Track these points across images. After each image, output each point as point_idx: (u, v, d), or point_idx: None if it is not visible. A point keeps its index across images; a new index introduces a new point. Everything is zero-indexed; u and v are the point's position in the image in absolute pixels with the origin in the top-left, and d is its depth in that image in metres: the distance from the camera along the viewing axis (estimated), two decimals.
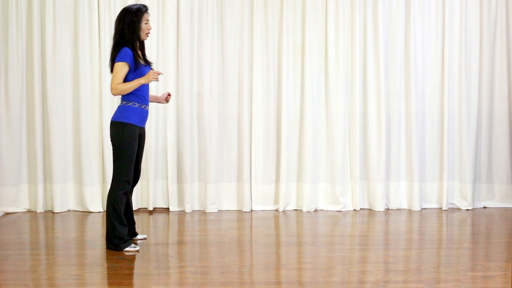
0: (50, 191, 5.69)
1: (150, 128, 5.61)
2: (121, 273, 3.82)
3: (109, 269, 3.91)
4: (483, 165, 5.94)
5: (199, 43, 5.69)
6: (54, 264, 3.99)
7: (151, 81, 4.22)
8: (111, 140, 4.27)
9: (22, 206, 5.70)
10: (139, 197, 5.73)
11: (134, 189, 5.01)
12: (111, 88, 4.16)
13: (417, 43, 5.80)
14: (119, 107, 4.26)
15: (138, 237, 4.63)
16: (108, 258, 4.14)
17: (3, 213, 5.57)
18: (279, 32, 5.76)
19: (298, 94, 5.79)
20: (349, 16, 5.76)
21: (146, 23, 4.28)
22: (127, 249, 4.28)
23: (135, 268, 3.92)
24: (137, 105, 4.25)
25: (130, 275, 3.78)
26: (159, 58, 5.68)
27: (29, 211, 5.71)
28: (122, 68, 4.15)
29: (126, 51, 4.17)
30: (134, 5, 4.31)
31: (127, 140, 4.21)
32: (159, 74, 4.24)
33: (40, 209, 5.65)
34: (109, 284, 3.64)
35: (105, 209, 4.29)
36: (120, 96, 4.39)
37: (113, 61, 4.23)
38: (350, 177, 5.83)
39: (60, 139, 5.65)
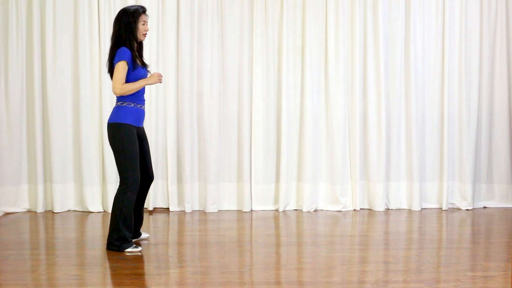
0: (50, 191, 5.69)
1: (150, 128, 5.61)
2: (121, 273, 3.82)
3: (109, 269, 3.91)
4: (483, 165, 5.94)
5: (199, 43, 5.69)
6: (54, 264, 3.99)
7: (157, 82, 4.28)
8: (111, 143, 4.24)
9: (22, 206, 5.70)
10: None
11: None
12: (116, 88, 4.11)
13: (417, 43, 5.80)
14: (114, 108, 4.24)
15: (142, 237, 4.64)
16: (108, 258, 4.14)
17: (3, 213, 5.57)
18: (279, 32, 5.76)
19: (298, 94, 5.79)
20: (349, 16, 5.76)
21: (143, 24, 4.28)
22: (129, 250, 4.27)
23: (135, 268, 3.92)
24: (132, 104, 4.23)
25: (130, 275, 3.78)
26: (159, 58, 5.68)
27: (29, 211, 5.71)
28: (124, 67, 4.13)
29: (125, 50, 4.15)
30: (132, 6, 4.31)
31: (127, 140, 4.18)
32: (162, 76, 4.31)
33: (40, 209, 5.66)
34: (109, 284, 3.65)
35: (111, 209, 4.27)
36: (115, 97, 4.41)
37: (111, 61, 4.22)
38: (350, 177, 5.83)
39: (60, 139, 5.65)
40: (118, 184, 4.31)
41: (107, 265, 3.99)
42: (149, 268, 3.92)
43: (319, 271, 3.83)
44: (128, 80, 4.19)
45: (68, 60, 5.64)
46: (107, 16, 5.60)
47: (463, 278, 3.69)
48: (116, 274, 3.80)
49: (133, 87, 4.16)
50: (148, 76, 4.34)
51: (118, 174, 4.44)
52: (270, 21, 5.74)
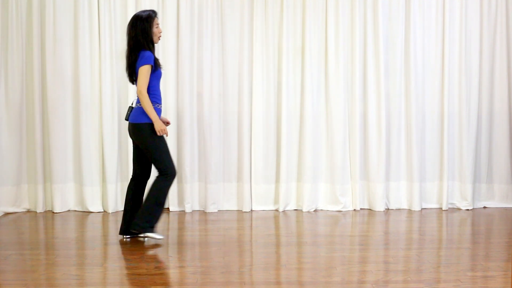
0: (50, 191, 5.69)
1: None
2: (121, 273, 3.82)
3: (109, 269, 3.91)
4: (483, 165, 5.94)
5: (199, 43, 5.69)
6: (54, 264, 3.99)
7: (158, 132, 4.37)
8: (141, 143, 4.43)
9: (22, 206, 5.70)
10: None
11: None
12: (140, 90, 4.32)
13: (417, 43, 5.80)
14: (138, 109, 4.42)
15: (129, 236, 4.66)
16: (108, 258, 4.14)
17: (3, 213, 5.57)
18: (279, 32, 5.76)
19: (298, 94, 5.79)
20: (349, 17, 5.76)
21: (157, 27, 4.50)
22: (151, 234, 4.48)
23: (135, 268, 3.92)
24: (155, 105, 4.44)
25: (130, 275, 3.78)
26: (159, 58, 5.67)
27: (29, 211, 5.71)
28: (149, 70, 4.36)
29: (149, 54, 4.37)
30: (143, 11, 4.51)
31: (156, 137, 4.40)
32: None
33: (40, 209, 5.65)
34: (109, 284, 3.65)
35: (147, 194, 4.49)
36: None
37: (132, 66, 4.42)
38: (350, 177, 5.83)
39: (60, 139, 5.65)
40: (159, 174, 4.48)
41: (107, 265, 3.99)
42: (149, 268, 3.92)
43: (319, 271, 3.83)
44: (151, 79, 4.39)
45: (68, 60, 5.64)
46: (107, 16, 5.60)
47: (463, 278, 3.69)
48: (116, 274, 3.80)
49: (149, 109, 4.34)
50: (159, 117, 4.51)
51: (138, 169, 4.64)
52: (270, 21, 5.74)
